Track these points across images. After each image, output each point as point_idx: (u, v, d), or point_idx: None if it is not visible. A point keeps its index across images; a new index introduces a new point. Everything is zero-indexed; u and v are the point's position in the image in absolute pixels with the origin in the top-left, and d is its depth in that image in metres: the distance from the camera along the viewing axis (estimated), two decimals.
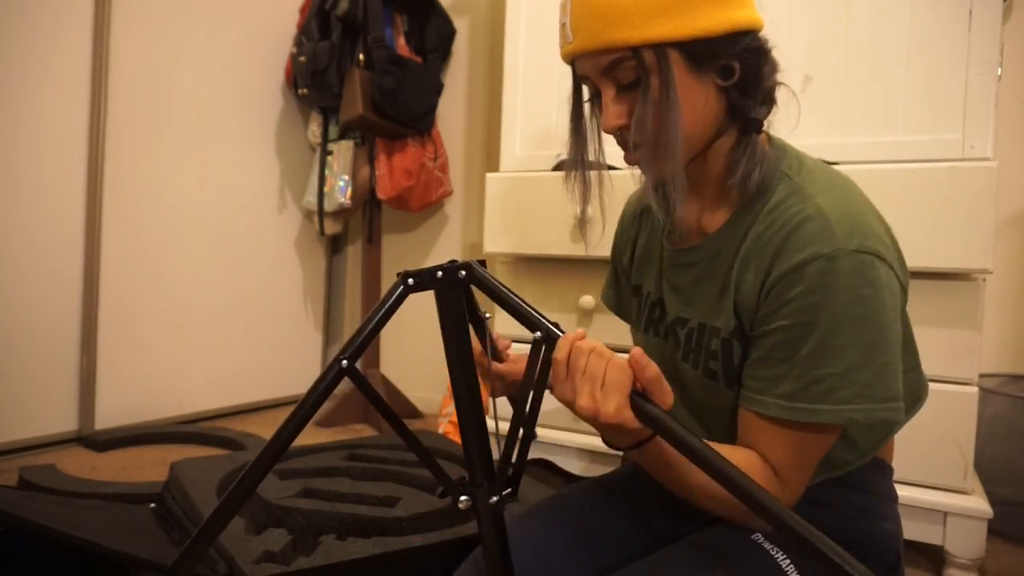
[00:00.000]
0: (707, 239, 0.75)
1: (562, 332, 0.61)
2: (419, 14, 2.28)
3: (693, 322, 0.75)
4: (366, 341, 0.62)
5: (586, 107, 0.78)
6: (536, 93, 1.69)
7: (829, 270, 0.62)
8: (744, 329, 0.69)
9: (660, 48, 0.65)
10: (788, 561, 0.67)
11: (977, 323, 1.21)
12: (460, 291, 0.62)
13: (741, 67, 0.68)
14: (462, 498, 0.63)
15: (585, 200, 0.79)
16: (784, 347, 0.64)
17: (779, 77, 0.72)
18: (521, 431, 0.62)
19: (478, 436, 0.64)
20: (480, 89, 2.40)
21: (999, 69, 1.22)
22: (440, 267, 0.61)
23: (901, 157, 1.25)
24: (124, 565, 1.01)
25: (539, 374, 0.61)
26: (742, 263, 0.69)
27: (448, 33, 2.35)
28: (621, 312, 0.99)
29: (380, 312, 0.62)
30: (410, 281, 0.62)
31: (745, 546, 0.68)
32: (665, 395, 0.58)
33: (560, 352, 0.60)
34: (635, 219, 0.92)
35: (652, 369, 0.58)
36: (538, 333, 0.60)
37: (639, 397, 0.58)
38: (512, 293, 0.63)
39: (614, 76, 0.68)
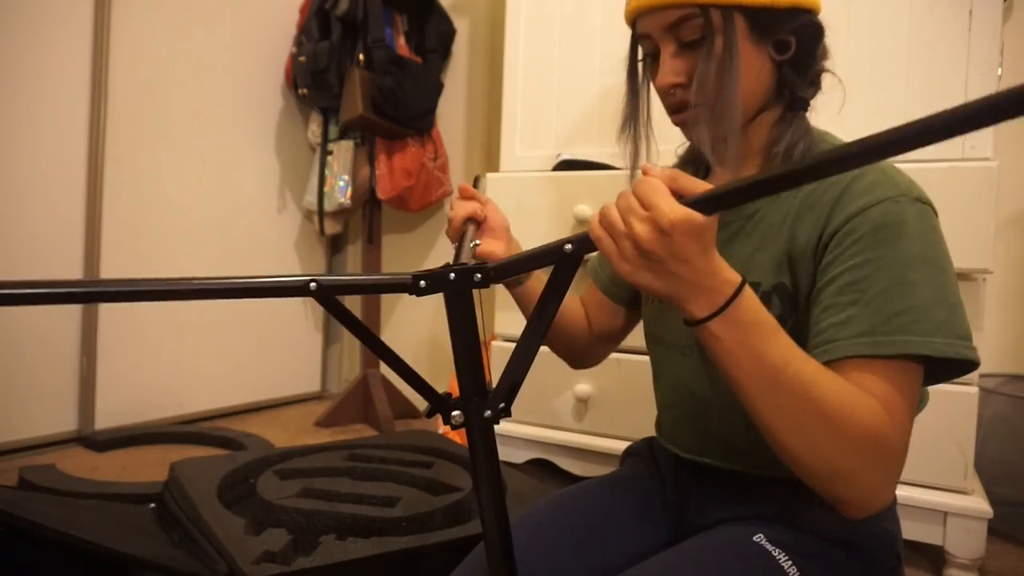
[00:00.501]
0: (744, 210, 0.74)
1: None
2: (419, 14, 2.28)
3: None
4: (345, 284, 0.58)
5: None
6: (536, 93, 1.69)
7: (896, 211, 0.62)
8: (797, 284, 0.68)
9: (727, 10, 0.67)
10: (790, 563, 0.66)
11: (977, 323, 1.21)
12: (471, 296, 0.58)
13: (796, 44, 0.70)
14: (454, 413, 0.59)
15: (635, 161, 0.80)
16: (854, 287, 0.61)
17: (828, 64, 0.75)
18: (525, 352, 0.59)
19: (469, 353, 0.59)
20: (480, 89, 2.40)
21: (999, 69, 1.22)
22: (452, 268, 0.56)
23: (901, 157, 1.24)
24: (124, 565, 1.01)
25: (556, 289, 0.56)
26: (795, 218, 0.69)
27: (448, 33, 2.35)
28: (614, 288, 0.96)
29: (376, 281, 0.61)
30: (421, 284, 0.56)
31: (748, 548, 0.67)
32: (698, 184, 0.54)
33: (594, 227, 0.56)
34: None
35: (667, 171, 0.55)
36: (568, 246, 0.54)
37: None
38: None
39: (677, 34, 0.70)
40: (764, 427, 0.58)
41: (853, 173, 0.66)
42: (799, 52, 0.71)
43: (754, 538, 0.68)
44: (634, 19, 0.74)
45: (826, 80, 0.77)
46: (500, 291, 1.71)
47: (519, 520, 0.77)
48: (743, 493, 0.75)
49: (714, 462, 0.77)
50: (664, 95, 0.74)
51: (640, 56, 0.78)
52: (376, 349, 0.59)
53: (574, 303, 0.99)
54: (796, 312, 0.68)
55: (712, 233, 0.54)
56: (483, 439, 0.60)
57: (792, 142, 0.71)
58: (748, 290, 0.57)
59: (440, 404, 0.59)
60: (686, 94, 0.71)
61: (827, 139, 0.74)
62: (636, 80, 0.79)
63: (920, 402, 0.74)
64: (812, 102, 0.76)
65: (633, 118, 0.80)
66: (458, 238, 0.81)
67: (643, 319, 0.89)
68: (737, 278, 0.56)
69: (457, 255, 0.70)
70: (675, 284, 0.55)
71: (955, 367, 0.61)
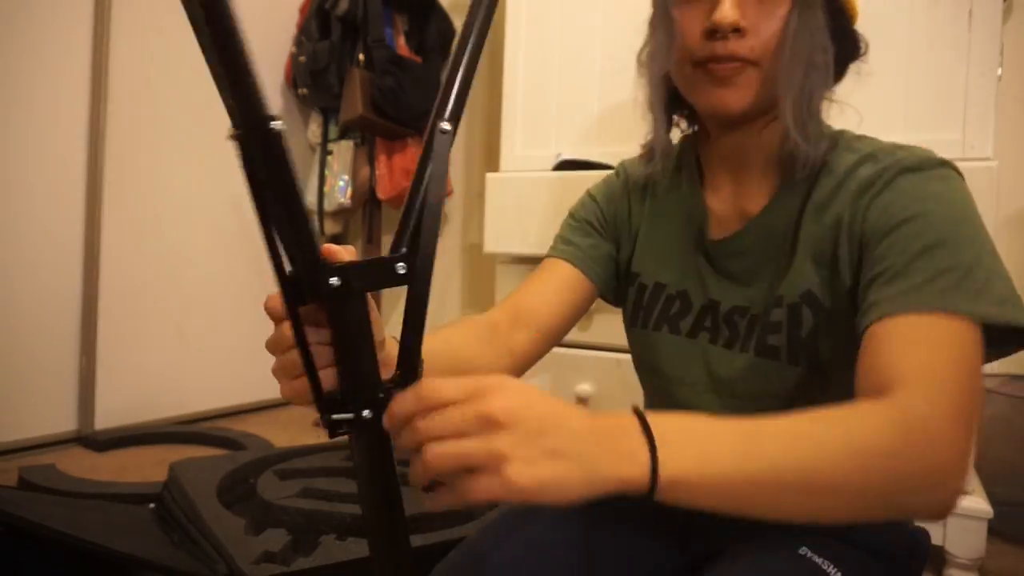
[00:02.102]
0: (756, 220, 0.69)
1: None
2: (419, 14, 2.28)
3: (755, 308, 0.68)
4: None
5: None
6: (536, 93, 1.69)
7: (923, 176, 0.58)
8: (838, 281, 0.63)
9: None
10: (840, 574, 0.62)
11: None
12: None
13: (836, 52, 0.64)
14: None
15: (667, 128, 0.72)
16: (894, 253, 0.56)
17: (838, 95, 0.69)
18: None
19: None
20: (480, 89, 2.40)
21: (999, 69, 1.22)
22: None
23: None
24: (124, 565, 1.01)
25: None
26: (811, 220, 0.64)
27: (448, 33, 2.35)
28: (582, 267, 0.81)
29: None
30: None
31: (799, 563, 0.62)
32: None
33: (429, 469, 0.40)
34: (625, 195, 0.83)
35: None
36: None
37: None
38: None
39: None
40: (811, 522, 0.47)
41: (862, 155, 0.62)
42: (835, 61, 0.65)
43: (799, 551, 0.64)
44: None
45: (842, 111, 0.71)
46: (500, 290, 1.71)
47: (518, 526, 0.73)
48: None
49: None
50: (701, 41, 0.63)
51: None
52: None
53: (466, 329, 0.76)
54: (829, 317, 0.63)
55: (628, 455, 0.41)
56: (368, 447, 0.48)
57: (827, 148, 0.64)
58: (650, 413, 0.43)
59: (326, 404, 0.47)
60: (739, 46, 0.62)
61: (844, 133, 0.68)
62: (670, 22, 0.66)
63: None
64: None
65: (661, 63, 0.68)
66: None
67: (632, 344, 0.81)
68: (628, 414, 0.44)
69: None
70: (576, 461, 0.40)
71: (1013, 334, 0.54)
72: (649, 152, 0.75)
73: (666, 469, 0.41)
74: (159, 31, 2.02)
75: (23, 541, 0.99)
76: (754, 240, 0.69)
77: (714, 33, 0.61)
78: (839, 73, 0.68)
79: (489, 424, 0.39)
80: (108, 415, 1.94)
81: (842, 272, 0.62)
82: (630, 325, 0.80)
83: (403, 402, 0.41)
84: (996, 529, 1.41)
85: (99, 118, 1.88)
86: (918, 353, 0.51)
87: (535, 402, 0.41)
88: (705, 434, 0.44)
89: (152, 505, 1.29)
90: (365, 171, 2.26)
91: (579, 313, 0.82)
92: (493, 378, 0.41)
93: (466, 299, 2.43)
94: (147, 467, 1.71)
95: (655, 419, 0.43)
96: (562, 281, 0.80)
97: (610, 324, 1.58)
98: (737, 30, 0.61)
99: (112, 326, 1.94)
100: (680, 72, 0.67)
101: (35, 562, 1.01)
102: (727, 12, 0.60)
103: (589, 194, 0.87)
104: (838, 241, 0.62)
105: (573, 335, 1.64)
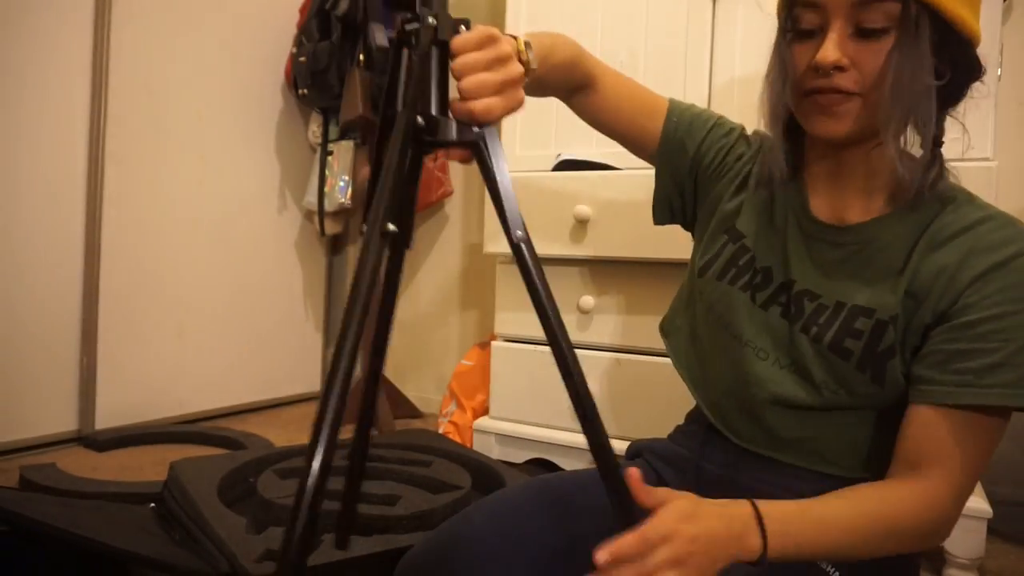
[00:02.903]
0: (860, 224, 0.73)
1: None
2: None
3: (827, 299, 0.73)
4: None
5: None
6: None
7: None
8: (917, 316, 0.68)
9: (923, 6, 0.64)
10: (838, 573, 0.68)
11: None
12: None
13: (952, 76, 0.67)
14: None
15: (778, 150, 0.76)
16: (997, 336, 0.64)
17: (959, 113, 0.73)
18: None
19: None
20: None
21: (999, 69, 1.22)
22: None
23: None
24: (125, 563, 1.01)
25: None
26: (922, 253, 0.69)
27: None
28: (669, 121, 0.88)
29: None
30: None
31: (811, 570, 0.67)
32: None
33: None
34: (749, 145, 0.87)
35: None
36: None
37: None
38: None
39: (859, 16, 0.65)
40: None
41: (988, 220, 0.67)
42: (951, 84, 0.68)
43: None
44: None
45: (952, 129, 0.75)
46: (501, 290, 1.71)
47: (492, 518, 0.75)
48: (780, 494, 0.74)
49: (766, 452, 0.78)
50: (810, 74, 0.68)
51: (789, 27, 0.72)
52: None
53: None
54: (903, 345, 0.69)
55: (693, 500, 0.60)
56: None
57: (938, 176, 0.69)
58: (763, 505, 0.61)
59: None
60: (842, 80, 0.66)
61: (959, 192, 0.71)
62: (786, 54, 0.72)
63: None
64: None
65: (780, 92, 0.73)
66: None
67: (705, 289, 0.84)
68: (748, 509, 0.61)
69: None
70: (712, 557, 0.57)
71: None
72: (766, 171, 0.80)
73: (771, 554, 0.60)
74: (159, 31, 2.02)
75: (24, 540, 0.99)
76: (854, 240, 0.73)
77: (818, 69, 0.67)
78: (958, 94, 0.71)
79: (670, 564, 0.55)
80: (109, 415, 1.94)
81: (924, 313, 0.68)
82: (718, 276, 0.82)
83: (624, 546, 0.54)
84: (996, 529, 1.42)
85: (99, 118, 1.88)
86: (965, 446, 0.65)
87: (697, 535, 0.56)
88: (797, 527, 0.61)
89: (153, 504, 1.29)
90: (365, 171, 2.26)
91: (626, 123, 0.90)
92: (669, 525, 0.56)
93: (466, 299, 2.43)
94: (147, 467, 1.71)
95: (767, 513, 0.61)
96: (650, 106, 0.89)
97: (610, 324, 1.58)
98: (840, 68, 0.66)
99: (113, 326, 1.94)
100: (792, 99, 0.73)
101: (36, 561, 1.01)
102: (829, 53, 0.66)
103: (740, 132, 0.90)
104: (934, 287, 0.67)
105: (573, 335, 1.64)
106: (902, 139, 0.70)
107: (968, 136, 0.81)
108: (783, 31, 0.73)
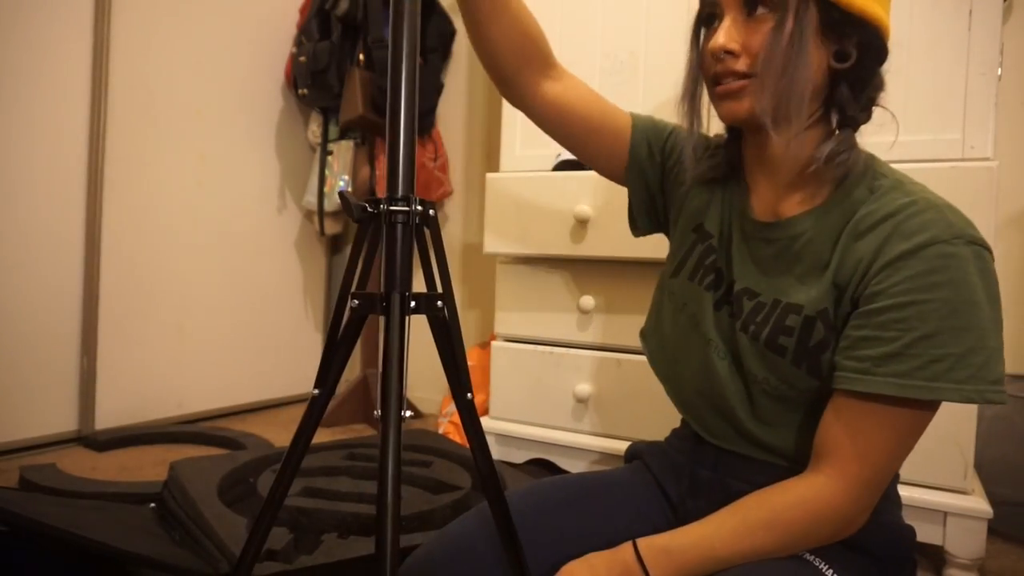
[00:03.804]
0: (789, 220, 0.74)
1: None
2: (419, 14, 2.28)
3: (765, 297, 0.74)
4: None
5: None
6: None
7: (950, 255, 0.62)
8: (842, 307, 0.69)
9: None
10: (832, 571, 0.68)
11: None
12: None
13: (857, 58, 0.69)
14: None
15: (692, 130, 0.79)
16: (898, 325, 0.63)
17: (882, 98, 0.73)
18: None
19: None
20: (480, 89, 2.41)
21: (999, 69, 1.22)
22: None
23: (901, 157, 1.25)
24: (125, 563, 1.01)
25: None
26: (845, 244, 0.69)
27: (448, 33, 2.35)
28: (635, 130, 0.89)
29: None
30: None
31: (789, 560, 0.68)
32: None
33: None
34: (708, 146, 0.87)
35: None
36: None
37: None
38: None
39: (748, 1, 0.69)
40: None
41: (911, 206, 0.66)
42: (857, 67, 0.69)
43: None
44: None
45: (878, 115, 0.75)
46: (500, 290, 1.71)
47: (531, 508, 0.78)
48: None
49: (740, 450, 0.78)
50: (711, 61, 0.72)
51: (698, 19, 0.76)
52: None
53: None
54: (836, 338, 0.69)
55: (583, 559, 0.69)
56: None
57: (837, 151, 0.69)
58: (644, 541, 0.68)
59: None
60: (735, 63, 0.69)
61: (875, 159, 0.72)
62: (697, 46, 0.76)
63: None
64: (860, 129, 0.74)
65: (692, 90, 0.77)
66: None
67: (677, 290, 0.85)
68: (629, 549, 0.68)
69: None
70: None
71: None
72: (690, 157, 0.83)
73: None
74: (159, 31, 2.02)
75: (24, 540, 0.99)
76: (784, 236, 0.74)
77: (713, 55, 0.71)
78: (869, 78, 0.71)
79: None
80: (108, 415, 1.94)
81: (846, 303, 0.69)
82: (689, 277, 0.84)
83: None
84: (996, 529, 1.42)
85: (99, 117, 1.88)
86: (859, 436, 0.65)
87: None
88: (679, 554, 0.67)
89: (153, 504, 1.29)
90: (365, 171, 2.26)
91: (593, 133, 0.89)
92: None
93: (466, 299, 2.43)
94: (147, 467, 1.71)
95: (647, 548, 0.68)
96: (614, 116, 0.89)
97: (610, 324, 1.58)
98: (729, 52, 0.70)
99: (113, 326, 1.94)
100: (706, 89, 0.76)
101: (36, 562, 1.01)
102: (718, 38, 0.70)
103: (677, 135, 0.91)
104: (853, 276, 0.68)
105: (573, 335, 1.65)
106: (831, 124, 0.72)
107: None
108: (696, 23, 0.76)
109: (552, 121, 0.89)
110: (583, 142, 0.89)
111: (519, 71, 0.87)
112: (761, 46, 0.68)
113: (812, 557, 0.68)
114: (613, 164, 0.91)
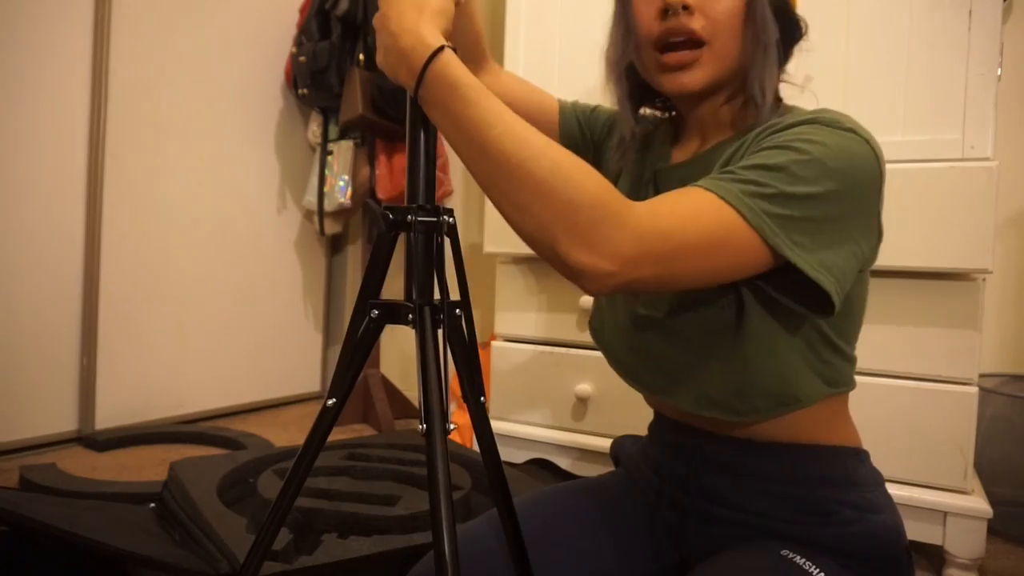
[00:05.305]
0: (698, 155, 0.74)
1: None
2: None
3: None
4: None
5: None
6: None
7: (810, 128, 0.61)
8: None
9: None
10: (818, 570, 0.65)
11: (977, 323, 1.21)
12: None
13: (779, 33, 0.69)
14: None
15: (631, 106, 0.78)
16: (748, 160, 0.61)
17: (785, 77, 0.74)
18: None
19: None
20: None
21: (999, 69, 1.22)
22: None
23: (901, 157, 1.25)
24: (125, 563, 1.01)
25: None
26: (735, 150, 0.68)
27: (447, 33, 2.35)
28: (562, 114, 0.90)
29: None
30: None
31: (781, 563, 0.65)
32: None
33: None
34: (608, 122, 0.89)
35: None
36: None
37: None
38: None
39: None
40: (491, 200, 0.60)
41: (795, 118, 0.65)
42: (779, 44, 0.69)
43: (782, 552, 0.67)
44: None
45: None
46: (501, 290, 1.71)
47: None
48: (745, 490, 0.73)
49: (683, 406, 0.74)
50: (659, 21, 0.67)
51: None
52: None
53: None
54: None
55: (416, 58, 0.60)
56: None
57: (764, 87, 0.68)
58: (447, 54, 0.60)
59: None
60: (691, 22, 0.66)
61: (796, 108, 0.72)
62: (627, 11, 0.72)
63: (838, 384, 0.70)
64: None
65: (623, 57, 0.74)
66: None
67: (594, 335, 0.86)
68: (436, 43, 0.60)
69: None
70: (387, 53, 0.63)
71: (797, 287, 0.60)
72: (622, 144, 0.81)
73: (424, 91, 0.61)
74: (159, 31, 2.02)
75: (24, 540, 0.99)
76: (695, 171, 0.72)
77: (666, 12, 0.67)
78: (786, 55, 0.72)
79: None
80: (108, 415, 1.94)
81: None
82: (592, 322, 0.86)
83: None
84: (996, 529, 1.42)
85: (100, 117, 1.88)
86: (673, 204, 0.57)
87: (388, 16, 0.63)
88: (464, 88, 0.59)
89: (152, 504, 1.29)
90: (365, 171, 2.26)
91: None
92: None
93: None
94: (147, 467, 1.71)
95: (446, 63, 0.60)
96: (541, 100, 0.90)
97: None
98: (686, 7, 0.66)
99: (113, 326, 1.95)
100: (642, 59, 0.72)
101: (36, 561, 1.01)
102: None
103: (601, 111, 0.91)
104: (734, 159, 0.66)
105: (573, 335, 1.64)
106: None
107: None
108: None
109: None
110: None
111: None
112: (726, 9, 0.66)
113: (802, 560, 0.66)
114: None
